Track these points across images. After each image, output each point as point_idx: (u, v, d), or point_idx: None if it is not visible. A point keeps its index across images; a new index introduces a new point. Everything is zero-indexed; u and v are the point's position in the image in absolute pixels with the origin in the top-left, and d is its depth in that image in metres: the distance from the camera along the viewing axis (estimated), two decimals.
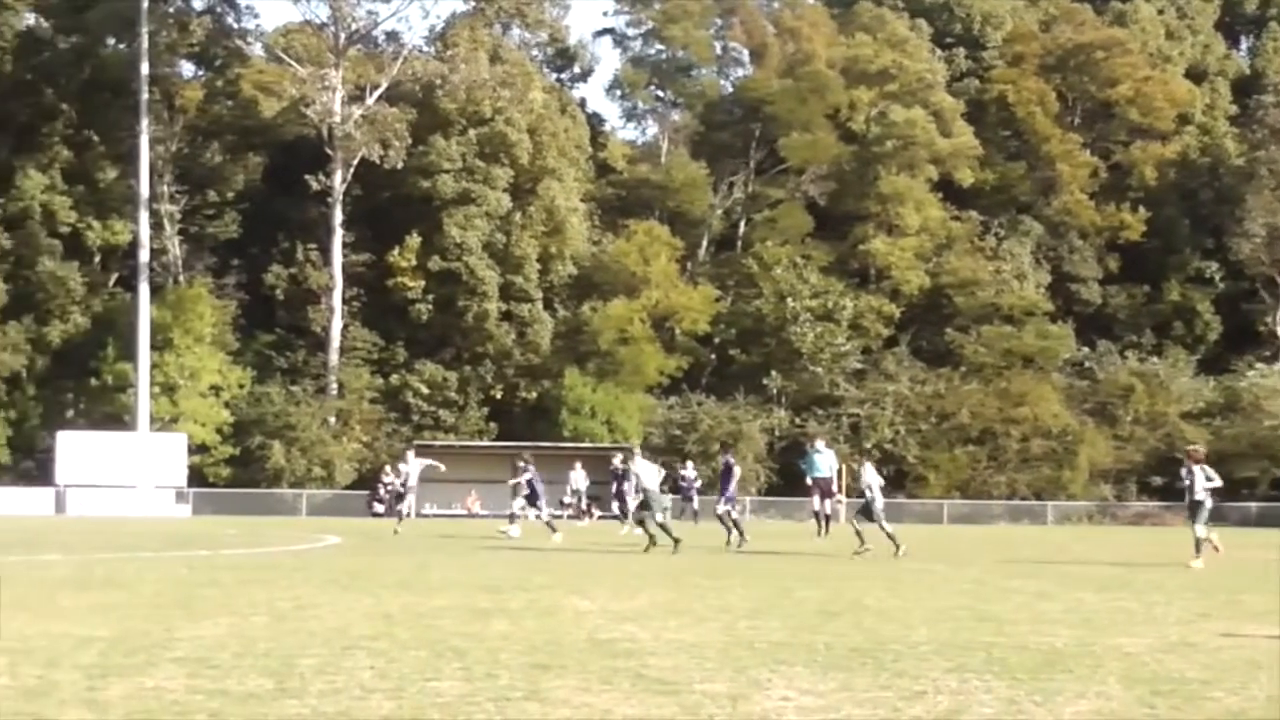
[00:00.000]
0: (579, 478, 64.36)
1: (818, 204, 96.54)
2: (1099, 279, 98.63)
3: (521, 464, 42.35)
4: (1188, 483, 37.07)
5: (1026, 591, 24.90)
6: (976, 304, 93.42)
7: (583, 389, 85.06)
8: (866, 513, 35.72)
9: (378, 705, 12.63)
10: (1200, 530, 35.02)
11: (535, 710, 12.39)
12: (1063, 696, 13.16)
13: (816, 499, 45.78)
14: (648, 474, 35.85)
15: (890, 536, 35.12)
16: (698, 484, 63.56)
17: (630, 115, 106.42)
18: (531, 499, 42.10)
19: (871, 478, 36.10)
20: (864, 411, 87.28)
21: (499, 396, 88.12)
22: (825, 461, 45.02)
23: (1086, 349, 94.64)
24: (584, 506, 64.72)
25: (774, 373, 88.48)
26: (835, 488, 48.22)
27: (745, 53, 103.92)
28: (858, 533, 36.08)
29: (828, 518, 45.52)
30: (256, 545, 40.75)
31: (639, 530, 37.52)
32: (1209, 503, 35.35)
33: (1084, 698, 13.12)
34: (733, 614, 20.67)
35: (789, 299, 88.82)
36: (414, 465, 51.38)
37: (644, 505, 36.18)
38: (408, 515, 53.09)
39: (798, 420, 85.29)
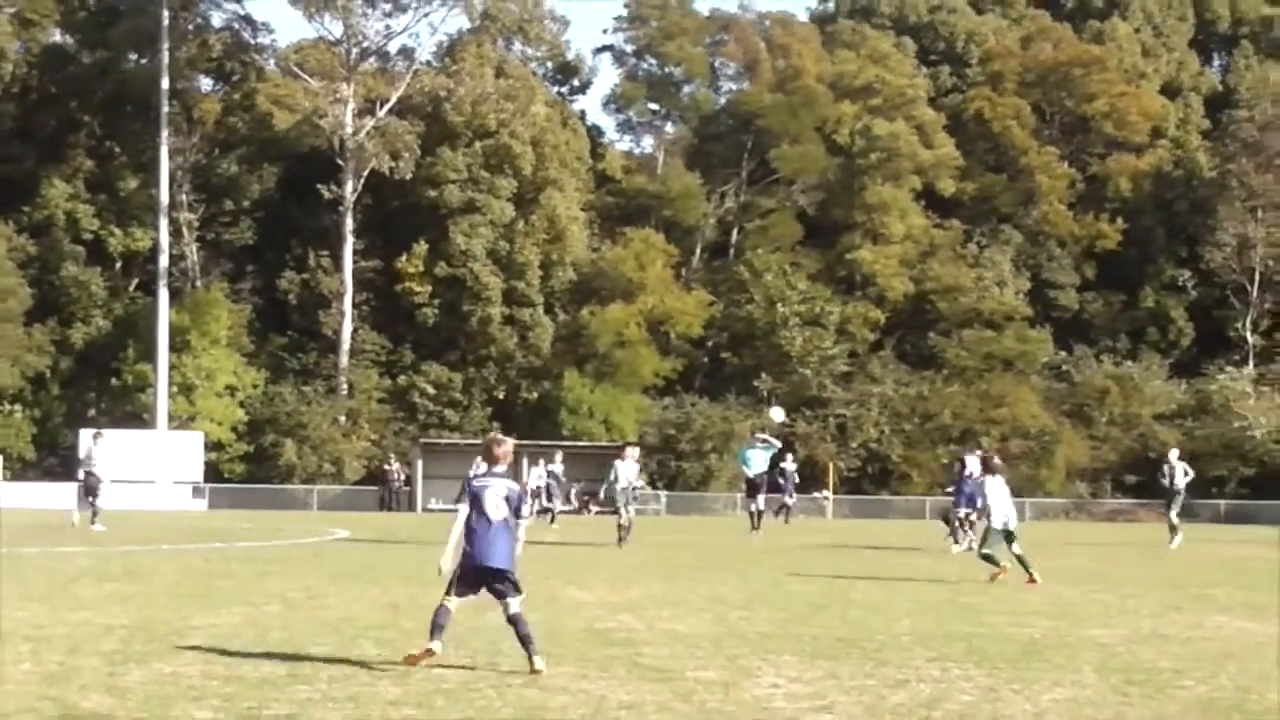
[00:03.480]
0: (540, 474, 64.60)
1: (807, 213, 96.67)
2: (1076, 286, 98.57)
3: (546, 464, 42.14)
4: (1169, 475, 38.36)
5: (1007, 585, 24.87)
6: (959, 309, 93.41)
7: (582, 390, 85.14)
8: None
9: (385, 690, 12.69)
10: (1174, 517, 36.28)
11: (535, 696, 12.42)
12: (1040, 685, 13.20)
13: (756, 496, 45.01)
14: (626, 471, 36.02)
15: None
16: (795, 480, 62.49)
17: (628, 128, 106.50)
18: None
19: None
20: (850, 412, 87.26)
21: (502, 396, 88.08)
22: (759, 459, 44.06)
23: (1064, 353, 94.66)
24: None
25: (764, 375, 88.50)
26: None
27: (738, 68, 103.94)
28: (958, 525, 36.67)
29: (760, 513, 44.65)
30: (270, 538, 40.72)
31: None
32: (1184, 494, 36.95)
33: (1060, 686, 13.15)
34: (724, 605, 20.69)
35: (779, 304, 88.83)
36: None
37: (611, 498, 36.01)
38: None
39: (787, 420, 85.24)
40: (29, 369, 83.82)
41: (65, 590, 22.57)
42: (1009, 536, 25.27)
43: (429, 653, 13.88)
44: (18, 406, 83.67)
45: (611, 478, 36.82)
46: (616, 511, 36.95)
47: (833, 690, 12.89)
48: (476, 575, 14.30)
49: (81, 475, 45.19)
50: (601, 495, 37.45)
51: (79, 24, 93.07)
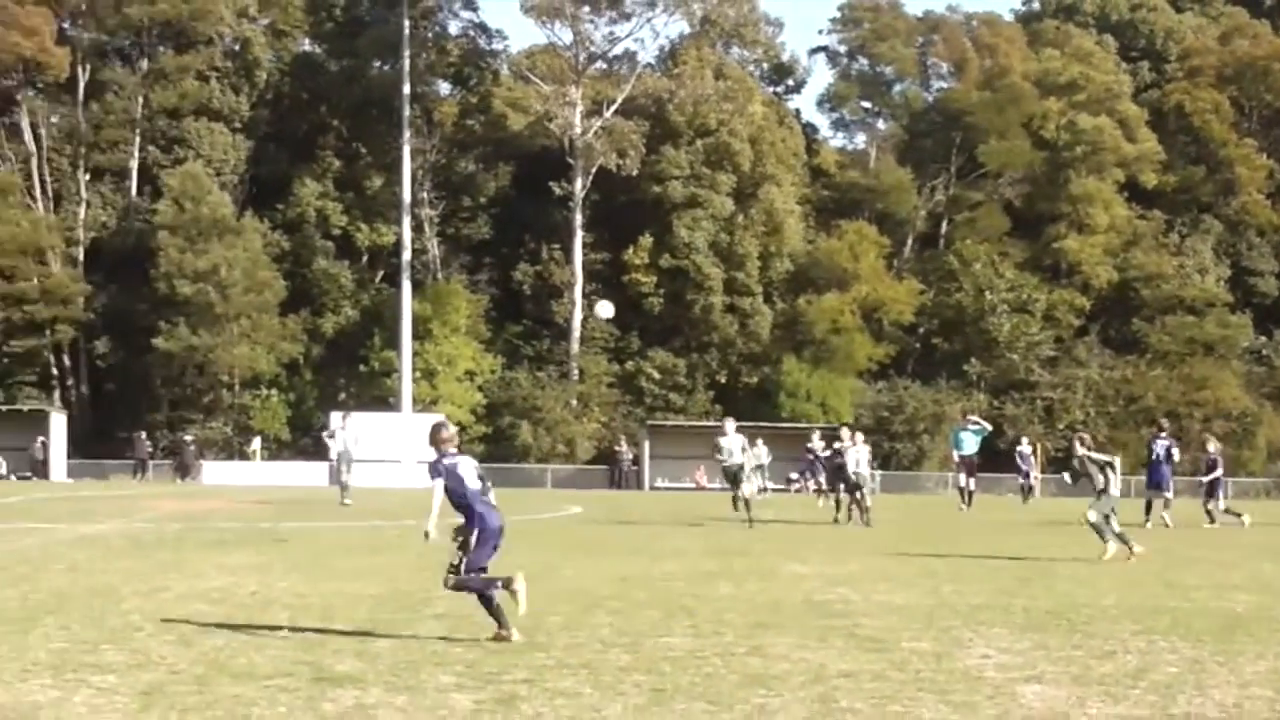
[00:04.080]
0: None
1: (1013, 205, 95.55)
2: (1275, 273, 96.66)
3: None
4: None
5: (1209, 561, 24.55)
6: (1161, 296, 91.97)
7: (799, 374, 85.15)
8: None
9: (616, 658, 12.80)
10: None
11: (757, 664, 12.47)
12: (1244, 657, 13.02)
13: (962, 475, 45.47)
14: (735, 449, 34.49)
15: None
16: (1033, 461, 61.67)
17: (841, 125, 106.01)
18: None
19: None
20: (1057, 395, 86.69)
21: (723, 381, 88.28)
22: (970, 441, 44.48)
23: (1264, 338, 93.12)
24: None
25: (973, 359, 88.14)
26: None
27: (947, 67, 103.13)
28: (1208, 512, 37.65)
29: (971, 493, 44.86)
30: (507, 514, 41.06)
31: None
32: None
33: (1264, 659, 12.97)
34: (936, 579, 20.60)
35: (987, 292, 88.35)
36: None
37: (733, 479, 34.61)
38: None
39: (996, 403, 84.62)
40: (284, 356, 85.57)
41: (320, 562, 23.08)
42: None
43: (504, 637, 14.01)
44: (274, 391, 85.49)
45: (726, 455, 34.96)
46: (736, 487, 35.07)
47: (1041, 660, 12.82)
48: (496, 538, 14.67)
49: (333, 456, 46.21)
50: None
51: (327, 34, 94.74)
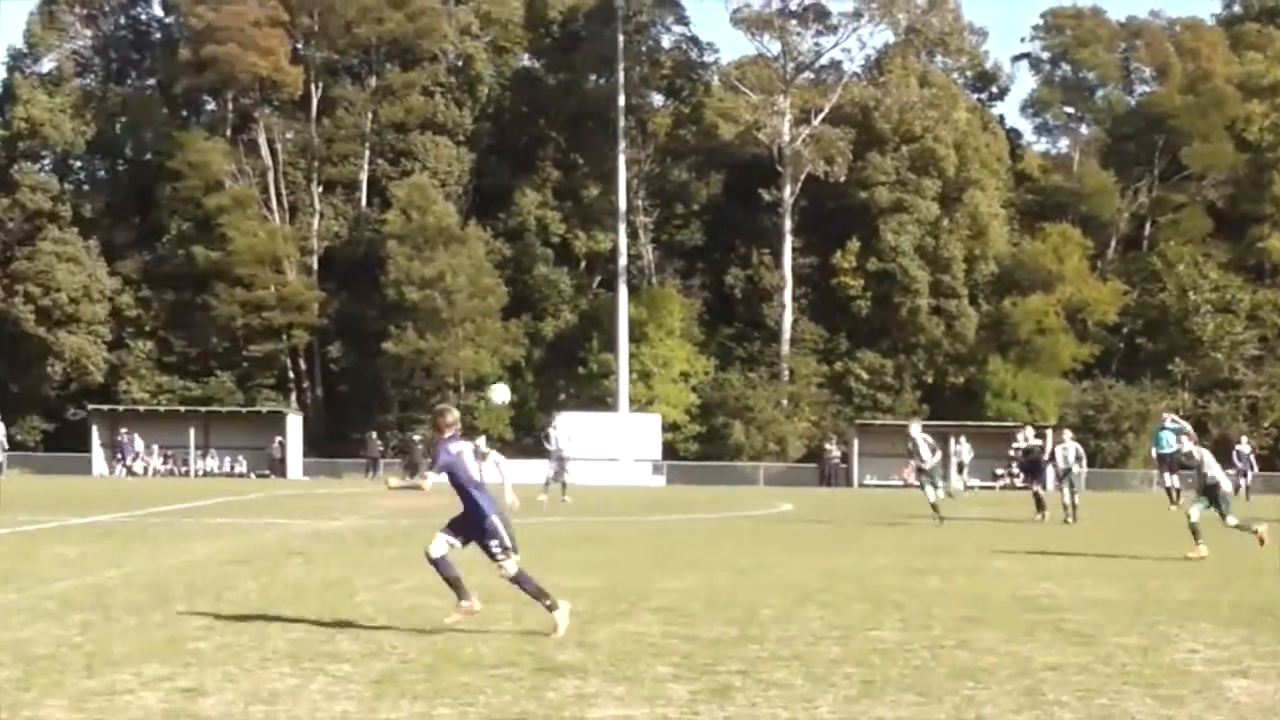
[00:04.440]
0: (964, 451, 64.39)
1: (1216, 207, 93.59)
2: None
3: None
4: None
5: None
6: None
7: (1004, 374, 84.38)
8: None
9: (827, 650, 12.84)
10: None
11: (965, 657, 12.44)
12: None
13: (1166, 474, 45.22)
14: (925, 448, 33.68)
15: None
16: (1252, 460, 58.54)
17: (1044, 130, 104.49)
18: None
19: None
20: (1261, 394, 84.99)
21: (930, 381, 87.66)
22: (1173, 440, 42.20)
23: None
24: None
25: (1177, 359, 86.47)
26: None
27: (1149, 71, 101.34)
28: None
29: (1177, 490, 44.06)
30: (721, 511, 41.26)
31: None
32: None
33: None
34: (1142, 575, 20.38)
35: (1191, 293, 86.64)
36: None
37: (924, 475, 33.86)
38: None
39: (1200, 402, 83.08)
40: (507, 359, 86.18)
41: (542, 557, 23.23)
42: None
43: (471, 611, 14.32)
44: None
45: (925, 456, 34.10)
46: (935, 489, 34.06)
47: (1248, 655, 12.65)
48: (488, 525, 14.53)
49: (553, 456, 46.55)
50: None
51: (545, 49, 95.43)
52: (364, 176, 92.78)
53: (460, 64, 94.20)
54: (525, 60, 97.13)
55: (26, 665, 12.00)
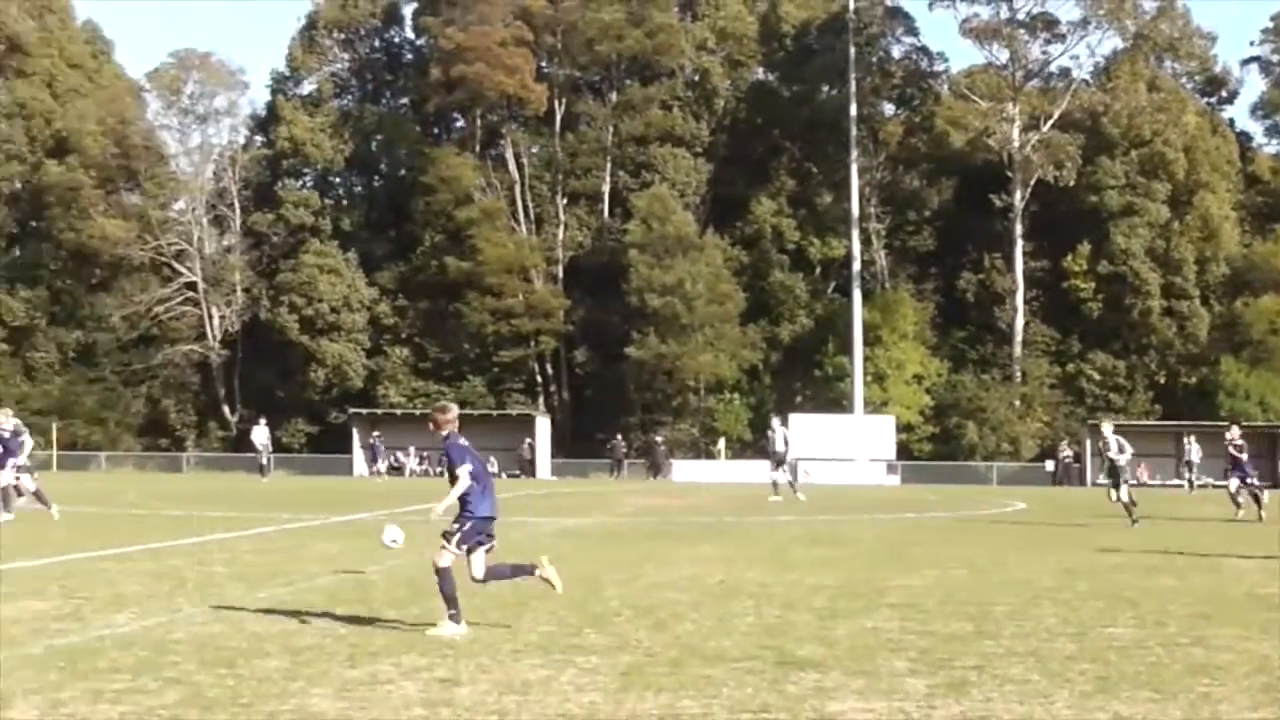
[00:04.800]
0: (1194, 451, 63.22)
1: None
2: None
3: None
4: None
5: None
6: None
7: (1238, 374, 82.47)
8: None
9: (1062, 646, 12.67)
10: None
11: (1200, 655, 12.22)
12: None
13: None
14: (1115, 446, 32.66)
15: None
16: None
17: (1275, 132, 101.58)
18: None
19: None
20: None
21: (1162, 381, 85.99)
22: None
23: None
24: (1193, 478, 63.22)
25: None
26: None
27: None
28: None
29: None
30: (954, 509, 40.89)
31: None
32: None
33: None
34: None
35: None
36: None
37: (1112, 475, 32.94)
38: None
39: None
40: (745, 362, 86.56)
41: (781, 554, 23.27)
42: None
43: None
44: (736, 395, 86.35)
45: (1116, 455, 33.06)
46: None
47: None
48: (487, 525, 14.16)
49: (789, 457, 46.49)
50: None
51: (779, 63, 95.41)
52: (606, 188, 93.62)
53: (697, 78, 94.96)
54: (760, 73, 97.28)
55: (293, 656, 12.29)
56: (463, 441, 14.31)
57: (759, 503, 41.47)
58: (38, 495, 30.97)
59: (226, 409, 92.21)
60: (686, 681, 11.14)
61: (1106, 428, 34.37)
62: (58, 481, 60.66)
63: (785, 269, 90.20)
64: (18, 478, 30.58)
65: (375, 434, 80.00)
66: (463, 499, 14.16)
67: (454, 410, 14.82)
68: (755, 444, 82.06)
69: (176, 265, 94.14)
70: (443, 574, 13.93)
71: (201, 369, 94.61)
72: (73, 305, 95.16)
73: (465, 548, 14.00)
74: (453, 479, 14.15)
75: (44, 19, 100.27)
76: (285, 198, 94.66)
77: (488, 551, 14.23)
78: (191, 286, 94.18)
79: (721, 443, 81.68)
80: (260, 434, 67.38)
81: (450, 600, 13.95)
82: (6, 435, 31.20)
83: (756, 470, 70.32)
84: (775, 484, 44.41)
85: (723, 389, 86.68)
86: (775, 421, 47.56)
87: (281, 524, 30.27)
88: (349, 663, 12.09)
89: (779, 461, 45.00)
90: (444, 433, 14.44)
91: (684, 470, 75.89)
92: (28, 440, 31.55)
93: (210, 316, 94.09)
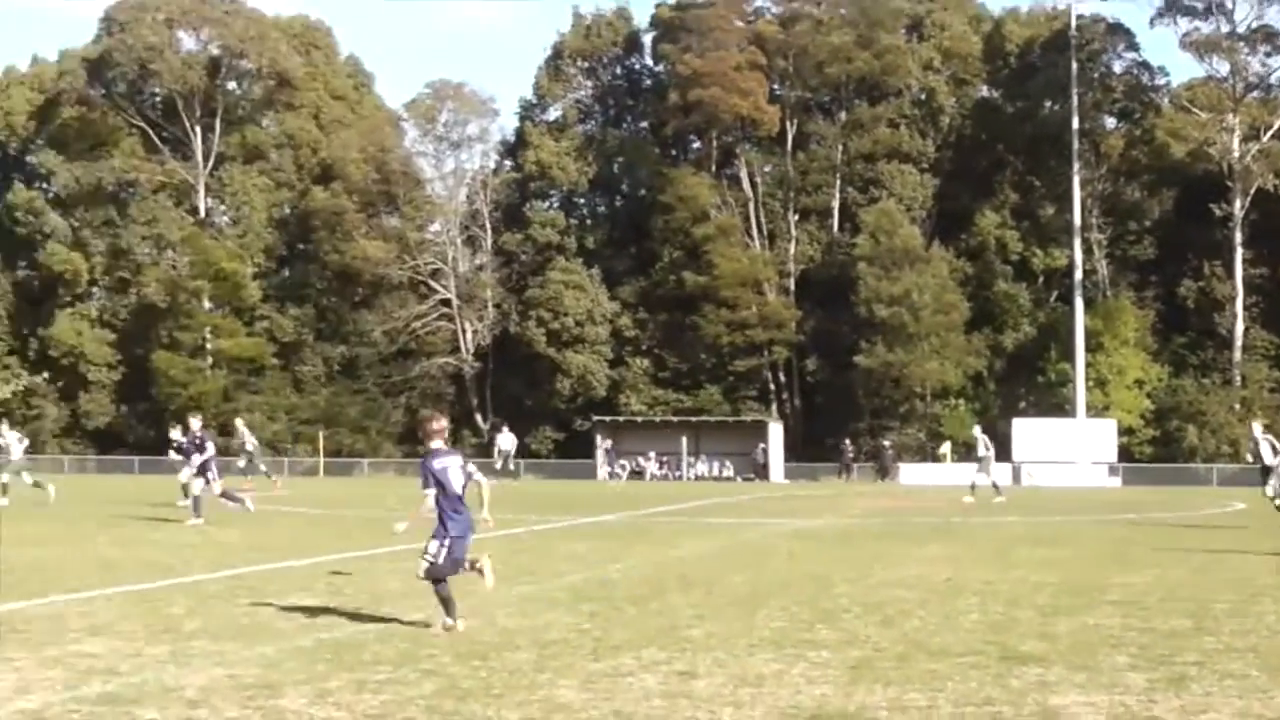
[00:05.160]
0: None
1: None
2: None
3: None
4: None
5: None
6: None
7: None
8: None
9: None
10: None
11: None
12: None
13: None
14: (1266, 447, 32.07)
15: None
16: None
17: None
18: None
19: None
20: None
21: None
22: None
23: None
24: None
25: None
26: None
27: None
28: None
29: None
30: (1174, 510, 40.25)
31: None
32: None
33: None
34: None
35: None
36: None
37: (1266, 474, 32.32)
38: None
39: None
40: (969, 369, 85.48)
41: (1005, 553, 23.25)
42: None
43: (451, 628, 13.60)
44: (961, 400, 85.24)
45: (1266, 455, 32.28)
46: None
47: None
48: (459, 548, 13.73)
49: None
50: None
51: (1002, 80, 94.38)
52: (835, 204, 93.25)
53: (923, 97, 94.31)
54: (984, 91, 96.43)
55: (541, 649, 12.63)
56: (437, 464, 13.86)
57: (983, 505, 41.13)
58: (226, 495, 31.89)
59: (479, 417, 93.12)
60: (913, 675, 11.21)
61: (1256, 428, 34.25)
62: (323, 486, 63.03)
63: (1009, 279, 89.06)
64: (208, 482, 31.27)
65: (607, 441, 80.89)
66: (440, 518, 13.88)
67: (438, 422, 14.31)
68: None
69: (432, 283, 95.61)
70: (432, 582, 13.85)
71: (455, 380, 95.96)
72: (337, 322, 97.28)
73: (432, 562, 13.79)
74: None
75: (310, 55, 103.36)
76: (533, 218, 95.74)
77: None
78: (446, 303, 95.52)
79: (947, 446, 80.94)
80: (506, 440, 67.90)
81: (445, 603, 13.81)
82: (204, 442, 31.99)
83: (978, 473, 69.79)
84: (973, 485, 44.30)
85: (948, 395, 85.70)
86: (976, 429, 47.76)
87: (532, 526, 30.69)
88: (593, 656, 12.30)
89: (982, 463, 45.08)
90: (431, 444, 14.05)
91: (911, 473, 75.25)
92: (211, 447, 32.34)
93: (463, 331, 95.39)
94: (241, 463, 49.07)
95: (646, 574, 19.52)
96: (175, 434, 45.16)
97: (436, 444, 13.95)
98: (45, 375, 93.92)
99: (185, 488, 32.75)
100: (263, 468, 51.78)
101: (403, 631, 13.82)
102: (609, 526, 31.51)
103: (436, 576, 13.81)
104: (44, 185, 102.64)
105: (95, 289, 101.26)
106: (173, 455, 45.83)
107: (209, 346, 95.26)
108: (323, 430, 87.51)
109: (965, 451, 79.75)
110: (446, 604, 13.88)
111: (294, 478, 73.79)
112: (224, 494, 31.86)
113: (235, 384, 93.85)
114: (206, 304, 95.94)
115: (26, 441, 45.40)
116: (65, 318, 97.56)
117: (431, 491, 13.80)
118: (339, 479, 77.43)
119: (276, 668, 11.63)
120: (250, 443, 50.72)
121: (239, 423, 54.40)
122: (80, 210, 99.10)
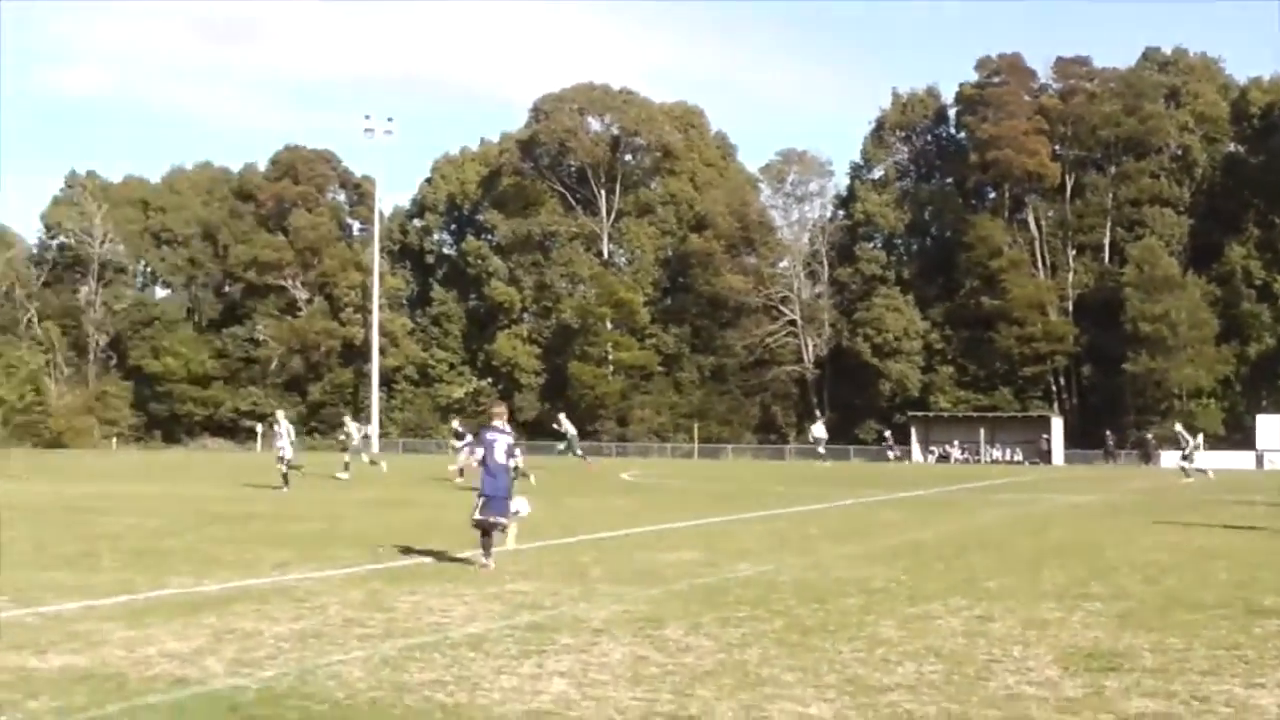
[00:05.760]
0: None
1: None
2: None
3: None
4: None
5: None
6: None
7: None
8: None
9: None
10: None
11: None
12: None
13: None
14: None
15: None
16: None
17: None
18: None
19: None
20: None
21: None
22: None
23: None
24: None
25: None
26: None
27: None
28: None
29: None
30: None
31: None
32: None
33: None
34: None
35: None
36: None
37: None
38: None
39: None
40: (1219, 374, 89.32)
41: (1249, 526, 23.35)
42: None
43: (487, 568, 14.42)
44: (1211, 400, 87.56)
45: None
46: None
47: None
48: (484, 496, 14.75)
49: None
50: None
51: (1248, 136, 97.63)
52: (1106, 241, 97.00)
53: (1180, 153, 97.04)
54: (1231, 147, 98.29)
55: (867, 596, 12.79)
56: (489, 435, 14.79)
57: (1226, 485, 41.82)
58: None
59: (817, 412, 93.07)
60: (1172, 624, 11.16)
61: None
62: (697, 467, 63.56)
63: (1253, 300, 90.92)
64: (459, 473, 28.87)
65: (887, 433, 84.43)
66: (481, 478, 14.87)
67: (498, 407, 15.37)
68: (1228, 439, 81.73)
69: (781, 308, 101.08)
70: (482, 525, 14.76)
71: (799, 383, 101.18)
72: (708, 338, 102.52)
73: (478, 508, 14.72)
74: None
75: (688, 133, 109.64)
76: (861, 255, 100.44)
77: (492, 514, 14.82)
78: (792, 323, 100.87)
79: (1200, 437, 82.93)
80: (819, 429, 70.63)
81: (485, 547, 14.68)
82: (464, 435, 31.49)
83: (1228, 460, 70.87)
84: (1184, 469, 46.94)
85: (1201, 395, 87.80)
86: (1178, 427, 51.35)
87: (857, 498, 31.47)
88: (908, 602, 12.37)
89: (1186, 456, 48.32)
90: (492, 422, 14.96)
91: (1169, 460, 69.78)
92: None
93: (805, 345, 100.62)
94: (560, 446, 50.47)
95: (951, 537, 19.63)
96: (456, 424, 48.00)
97: (496, 423, 14.92)
98: (489, 380, 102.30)
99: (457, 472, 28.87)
100: (578, 452, 51.27)
101: (759, 579, 13.94)
102: (919, 499, 31.82)
103: (479, 527, 14.65)
104: (489, 236, 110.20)
105: (526, 314, 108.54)
106: (453, 443, 45.70)
107: (610, 357, 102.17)
108: (697, 423, 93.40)
109: (1214, 442, 75.73)
110: (486, 548, 14.63)
111: (674, 460, 78.59)
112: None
113: (630, 386, 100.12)
114: (609, 325, 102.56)
115: (364, 431, 49.44)
116: (504, 336, 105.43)
117: (480, 452, 14.92)
118: (709, 460, 79.70)
119: (661, 605, 11.85)
120: (570, 430, 50.82)
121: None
122: (515, 255, 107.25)
